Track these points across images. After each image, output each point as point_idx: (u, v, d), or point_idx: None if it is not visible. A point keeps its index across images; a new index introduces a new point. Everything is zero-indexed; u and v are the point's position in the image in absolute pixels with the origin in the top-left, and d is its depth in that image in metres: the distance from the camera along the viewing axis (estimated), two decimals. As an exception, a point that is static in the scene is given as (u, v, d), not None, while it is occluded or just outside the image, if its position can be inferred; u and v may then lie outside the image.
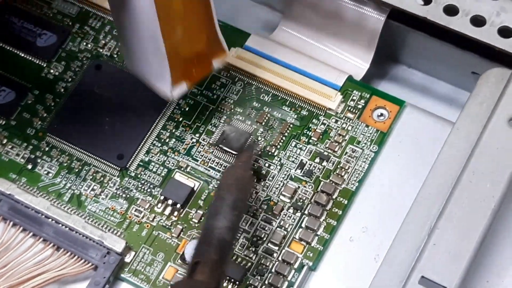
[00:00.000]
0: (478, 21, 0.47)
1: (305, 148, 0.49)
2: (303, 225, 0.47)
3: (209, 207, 0.43)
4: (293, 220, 0.47)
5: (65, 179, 0.49)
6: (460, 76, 0.51)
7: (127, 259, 0.47)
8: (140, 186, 0.49)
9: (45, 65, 0.53)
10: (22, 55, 0.53)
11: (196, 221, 0.47)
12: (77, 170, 0.50)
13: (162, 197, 0.48)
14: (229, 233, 0.42)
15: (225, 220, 0.42)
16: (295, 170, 0.48)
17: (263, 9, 0.56)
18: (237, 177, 0.44)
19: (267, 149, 0.49)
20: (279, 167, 0.48)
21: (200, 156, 0.49)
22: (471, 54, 0.49)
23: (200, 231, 0.43)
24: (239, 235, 0.47)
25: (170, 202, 0.48)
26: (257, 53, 0.51)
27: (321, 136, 0.49)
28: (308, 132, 0.49)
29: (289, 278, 0.45)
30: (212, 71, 0.49)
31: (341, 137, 0.49)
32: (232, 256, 0.46)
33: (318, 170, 0.48)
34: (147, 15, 0.43)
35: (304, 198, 0.47)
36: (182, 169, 0.49)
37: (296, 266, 0.46)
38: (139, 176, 0.49)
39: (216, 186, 0.48)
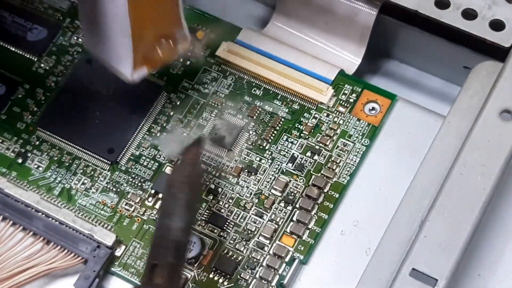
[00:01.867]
0: (469, 14, 0.47)
1: (297, 142, 0.49)
2: (294, 218, 0.46)
3: (161, 206, 0.42)
4: (284, 214, 0.47)
5: (56, 173, 0.49)
6: (452, 70, 0.51)
7: (118, 252, 0.47)
8: (130, 180, 0.49)
9: (35, 60, 0.52)
10: (13, 49, 0.53)
11: (187, 214, 0.47)
12: (67, 164, 0.49)
13: (152, 191, 0.48)
14: (185, 235, 0.41)
15: (180, 221, 0.41)
16: (286, 164, 0.48)
17: (255, 4, 0.56)
18: (188, 175, 0.43)
19: (259, 142, 0.49)
20: (270, 161, 0.48)
21: (191, 150, 0.49)
22: (462, 48, 0.49)
23: (155, 231, 0.42)
24: (230, 228, 0.46)
25: (160, 196, 0.48)
26: (249, 47, 0.51)
27: (312, 130, 0.49)
28: (299, 126, 0.49)
29: (280, 272, 0.45)
30: (175, 58, 0.48)
31: (332, 131, 0.49)
32: (223, 250, 0.46)
33: (309, 164, 0.48)
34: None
35: (295, 192, 0.47)
36: (173, 163, 0.49)
37: (287, 259, 0.46)
38: (129, 170, 0.49)
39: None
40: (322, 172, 0.47)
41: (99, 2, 0.43)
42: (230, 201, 0.47)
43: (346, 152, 0.48)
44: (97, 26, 0.44)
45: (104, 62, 0.46)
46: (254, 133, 0.49)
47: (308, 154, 0.48)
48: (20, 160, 0.50)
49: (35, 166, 0.49)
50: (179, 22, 0.46)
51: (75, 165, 0.49)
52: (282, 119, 0.49)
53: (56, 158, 0.50)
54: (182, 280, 0.44)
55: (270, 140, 0.49)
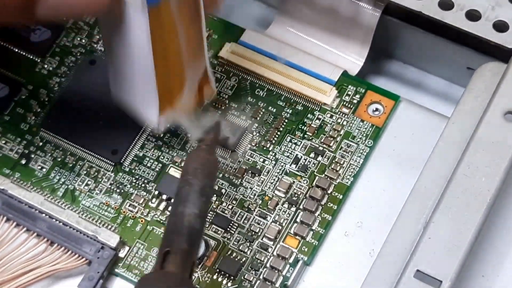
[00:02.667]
0: (473, 15, 0.47)
1: (300, 143, 0.49)
2: (298, 220, 0.46)
3: (176, 193, 0.42)
4: (288, 215, 0.47)
5: (59, 174, 0.49)
6: (456, 71, 0.51)
7: (121, 254, 0.46)
8: (134, 181, 0.49)
9: (39, 61, 0.52)
10: (16, 50, 0.53)
11: (191, 216, 0.47)
12: (71, 165, 0.49)
13: (156, 192, 0.48)
14: (199, 221, 0.40)
15: (194, 207, 0.40)
16: (290, 165, 0.48)
17: (258, 4, 0.56)
18: (203, 162, 0.42)
19: (262, 143, 0.49)
20: (274, 162, 0.48)
21: (195, 151, 0.49)
22: (466, 49, 0.49)
23: (168, 218, 0.41)
24: (234, 229, 0.46)
25: (164, 197, 0.48)
26: (252, 48, 0.51)
27: (316, 131, 0.49)
28: (303, 127, 0.49)
29: (284, 273, 0.45)
30: (200, 106, 0.48)
31: (336, 132, 0.49)
32: (227, 251, 0.46)
33: (313, 165, 0.48)
34: (143, 50, 0.42)
35: (299, 193, 0.47)
36: (177, 164, 0.49)
37: (291, 261, 0.46)
38: (133, 171, 0.49)
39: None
40: (325, 173, 0.47)
41: (126, 57, 0.43)
42: (234, 202, 0.47)
43: (349, 153, 0.48)
44: (124, 77, 0.44)
45: (132, 112, 0.46)
46: (257, 134, 0.49)
47: (312, 155, 0.48)
48: (23, 161, 0.50)
49: (39, 167, 0.49)
50: (205, 73, 0.47)
51: (78, 166, 0.49)
52: (286, 120, 0.49)
53: (59, 159, 0.50)
54: (196, 267, 0.44)
55: (273, 141, 0.49)
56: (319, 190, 0.47)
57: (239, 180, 0.48)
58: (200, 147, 0.44)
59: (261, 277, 0.45)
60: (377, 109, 0.49)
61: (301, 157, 0.48)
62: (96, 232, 0.46)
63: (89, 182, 0.49)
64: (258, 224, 0.47)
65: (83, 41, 0.53)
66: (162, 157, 0.49)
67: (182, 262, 0.39)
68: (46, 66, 0.52)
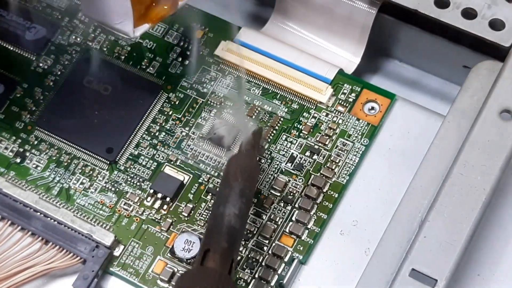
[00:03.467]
0: (469, 13, 0.47)
1: (296, 142, 0.48)
2: (293, 218, 0.46)
3: (216, 195, 0.43)
4: (283, 214, 0.47)
5: (54, 172, 0.49)
6: (452, 70, 0.51)
7: (116, 252, 0.46)
8: (129, 179, 0.48)
9: (34, 59, 0.52)
10: (11, 48, 0.53)
11: (186, 214, 0.47)
12: (66, 163, 0.49)
13: (151, 191, 0.48)
14: (238, 221, 0.41)
15: (234, 207, 0.41)
16: (286, 164, 0.48)
17: (254, 3, 0.56)
18: (243, 166, 0.43)
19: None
20: (269, 161, 0.48)
21: (190, 150, 0.49)
22: (462, 48, 0.49)
23: (208, 219, 0.42)
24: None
25: (159, 195, 0.48)
26: (248, 46, 0.51)
27: (311, 130, 0.49)
28: (298, 126, 0.49)
29: (279, 272, 0.45)
30: (174, 11, 0.47)
31: (331, 130, 0.48)
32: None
33: (308, 163, 0.48)
34: None
35: (294, 192, 0.47)
36: (172, 162, 0.49)
37: (286, 259, 0.45)
38: (128, 169, 0.49)
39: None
40: (321, 171, 0.47)
41: None
42: (229, 201, 0.47)
43: (345, 151, 0.48)
44: None
45: (104, 25, 0.45)
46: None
47: (307, 153, 0.48)
48: (18, 160, 0.50)
49: (34, 165, 0.49)
50: None
51: (73, 165, 0.49)
52: (281, 119, 0.49)
53: (54, 158, 0.49)
54: (237, 265, 0.44)
55: (269, 140, 0.49)
56: (315, 188, 0.47)
57: (235, 178, 0.48)
58: (240, 151, 0.44)
59: (256, 275, 0.45)
60: (373, 108, 0.49)
61: (297, 155, 0.48)
62: (91, 231, 0.46)
63: (84, 181, 0.49)
64: (254, 222, 0.47)
65: (78, 39, 0.53)
66: (157, 156, 0.49)
67: (221, 260, 0.40)
68: (41, 64, 0.52)
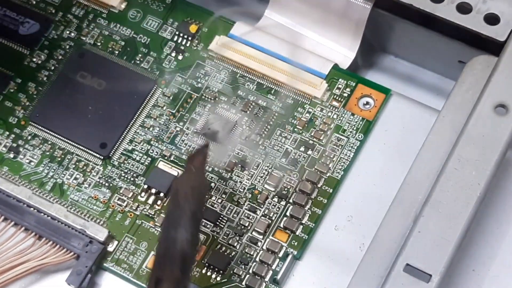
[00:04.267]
0: (464, 8, 0.47)
1: (290, 137, 0.48)
2: (287, 213, 0.46)
3: (166, 215, 0.41)
4: (277, 209, 0.46)
5: (48, 168, 0.49)
6: (447, 65, 0.51)
7: (110, 248, 0.46)
8: (123, 175, 0.48)
9: (27, 54, 0.52)
10: (5, 43, 0.52)
11: (180, 210, 0.47)
12: (59, 159, 0.49)
13: (145, 186, 0.48)
14: (191, 246, 0.39)
15: (186, 232, 0.39)
16: (280, 159, 0.48)
17: (249, -3, 0.56)
18: (193, 185, 0.41)
19: (252, 137, 0.48)
20: (264, 156, 0.48)
21: (184, 145, 0.49)
22: (457, 42, 0.48)
23: (159, 243, 0.40)
24: (223, 223, 0.46)
25: (153, 191, 0.47)
26: (242, 41, 0.51)
27: (306, 125, 0.48)
28: (293, 121, 0.49)
29: (273, 267, 0.45)
30: None
31: (326, 125, 0.48)
32: (216, 245, 0.46)
33: (303, 158, 0.48)
34: None
35: (289, 187, 0.47)
36: (166, 158, 0.48)
37: (280, 255, 0.45)
38: (122, 165, 0.49)
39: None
40: (315, 167, 0.47)
41: None
42: (223, 196, 0.47)
43: (340, 146, 0.48)
44: None
45: None
46: (247, 127, 0.49)
47: (302, 149, 0.48)
48: (12, 155, 0.49)
49: (27, 161, 0.49)
50: None
51: (67, 160, 0.49)
52: (276, 114, 0.49)
53: (48, 153, 0.49)
54: None
55: (263, 135, 0.48)
56: (309, 184, 0.47)
57: (229, 174, 0.48)
58: (189, 169, 0.43)
59: (250, 271, 0.45)
60: (367, 103, 0.49)
61: (291, 150, 0.48)
62: (85, 226, 0.46)
63: (77, 176, 0.49)
64: (248, 218, 0.46)
65: (72, 34, 0.52)
66: (151, 151, 0.49)
67: None
68: (34, 59, 0.52)
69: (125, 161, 0.49)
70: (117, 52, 0.52)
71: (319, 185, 0.47)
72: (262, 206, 0.47)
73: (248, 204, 0.47)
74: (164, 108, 0.50)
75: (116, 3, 0.53)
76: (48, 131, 0.49)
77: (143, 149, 0.49)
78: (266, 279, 0.45)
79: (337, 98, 0.49)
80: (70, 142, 0.49)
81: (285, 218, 0.46)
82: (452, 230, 0.41)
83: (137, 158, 0.49)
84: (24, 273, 0.45)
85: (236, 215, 0.47)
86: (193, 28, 0.52)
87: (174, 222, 0.40)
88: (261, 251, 0.45)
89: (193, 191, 0.41)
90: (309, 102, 0.49)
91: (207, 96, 0.50)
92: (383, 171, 0.47)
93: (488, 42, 0.46)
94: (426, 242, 0.41)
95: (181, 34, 0.51)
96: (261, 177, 0.47)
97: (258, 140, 0.48)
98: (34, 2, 0.53)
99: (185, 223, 0.39)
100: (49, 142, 0.49)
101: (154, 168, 0.48)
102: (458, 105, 0.45)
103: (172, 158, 0.48)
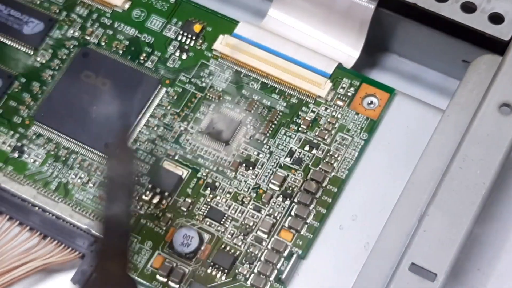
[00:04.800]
0: (468, 7, 0.47)
1: (295, 136, 0.48)
2: (292, 213, 0.46)
3: (104, 197, 0.43)
4: (282, 208, 0.46)
5: (52, 167, 0.49)
6: (451, 64, 0.51)
7: (115, 247, 0.46)
8: (128, 174, 0.48)
9: (32, 53, 0.52)
10: (9, 43, 0.52)
11: (185, 209, 0.47)
12: (64, 158, 0.49)
13: (150, 186, 0.48)
14: (129, 219, 0.42)
15: (122, 206, 0.41)
16: (285, 158, 0.48)
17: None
18: (124, 171, 0.42)
19: (256, 137, 0.48)
20: (268, 155, 0.48)
21: (189, 145, 0.49)
22: (461, 42, 0.48)
23: (100, 222, 0.42)
24: (228, 223, 0.46)
25: (158, 190, 0.47)
26: (246, 40, 0.51)
27: (310, 124, 0.48)
28: (297, 120, 0.49)
29: (278, 266, 0.45)
30: None
31: (330, 125, 0.48)
32: (221, 245, 0.46)
33: (307, 158, 0.48)
34: None
35: (293, 186, 0.47)
36: (171, 157, 0.48)
37: (285, 254, 0.45)
38: (127, 164, 0.49)
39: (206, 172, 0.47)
40: (320, 166, 0.47)
41: None
42: (228, 195, 0.47)
43: (344, 146, 0.48)
44: None
45: None
46: (252, 127, 0.49)
47: (306, 148, 0.48)
48: (16, 154, 0.49)
49: (32, 160, 0.49)
50: None
51: (72, 159, 0.49)
52: (280, 113, 0.49)
53: (52, 152, 0.49)
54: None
55: (268, 134, 0.49)
56: (314, 183, 0.47)
57: (233, 173, 0.48)
58: (112, 159, 0.44)
59: (255, 270, 0.45)
60: (372, 102, 0.49)
61: (296, 150, 0.48)
62: (90, 226, 0.46)
63: (82, 175, 0.49)
64: (252, 217, 0.46)
65: (76, 33, 0.52)
66: (156, 150, 0.49)
67: (121, 262, 0.40)
68: (39, 58, 0.52)
69: (130, 161, 0.49)
70: (121, 51, 0.52)
71: (323, 185, 0.47)
72: (266, 205, 0.47)
73: (253, 203, 0.47)
74: (169, 107, 0.50)
75: (120, 2, 0.53)
76: (53, 131, 0.50)
77: (147, 149, 0.49)
78: (271, 278, 0.45)
79: (341, 97, 0.49)
80: (74, 141, 0.49)
81: (289, 218, 0.46)
82: (457, 229, 0.41)
83: (142, 158, 0.49)
84: (29, 272, 0.45)
85: (240, 215, 0.47)
86: (197, 27, 0.52)
87: (112, 200, 0.41)
88: (266, 251, 0.46)
89: (124, 175, 0.42)
90: (313, 102, 0.49)
91: (211, 95, 0.50)
92: (387, 170, 0.47)
93: (492, 41, 0.46)
94: (431, 241, 0.41)
95: (185, 34, 0.52)
96: (266, 176, 0.47)
97: (263, 139, 0.48)
98: (38, 2, 0.53)
99: (122, 199, 0.41)
100: (54, 142, 0.50)
101: (158, 168, 0.48)
102: (462, 104, 0.45)
103: (176, 158, 0.48)
